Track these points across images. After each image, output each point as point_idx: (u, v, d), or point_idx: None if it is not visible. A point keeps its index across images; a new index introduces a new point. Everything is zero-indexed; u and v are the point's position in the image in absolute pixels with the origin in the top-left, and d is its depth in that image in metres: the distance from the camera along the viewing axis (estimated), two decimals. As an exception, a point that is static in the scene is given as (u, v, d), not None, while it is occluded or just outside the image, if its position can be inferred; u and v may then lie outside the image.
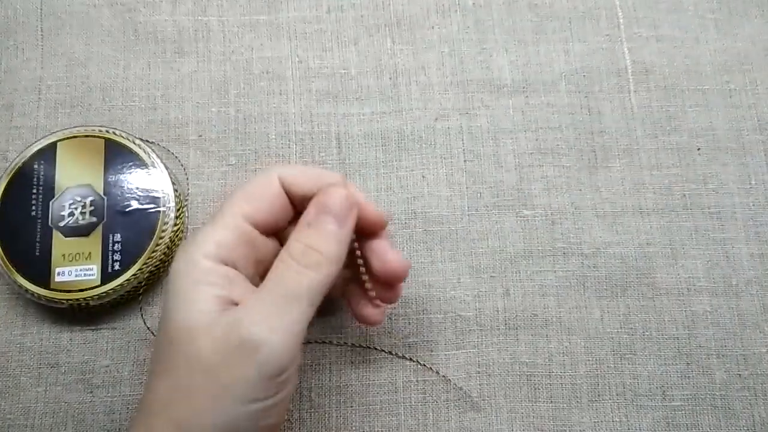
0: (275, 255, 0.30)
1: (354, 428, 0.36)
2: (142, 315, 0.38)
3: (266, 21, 0.43)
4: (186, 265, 0.27)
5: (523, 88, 0.42)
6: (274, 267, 0.27)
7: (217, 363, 0.25)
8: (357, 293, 0.32)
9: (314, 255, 0.27)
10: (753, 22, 0.43)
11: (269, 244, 0.30)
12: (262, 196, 0.29)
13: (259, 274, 0.29)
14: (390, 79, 0.42)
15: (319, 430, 0.36)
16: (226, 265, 0.28)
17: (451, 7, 0.43)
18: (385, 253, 0.30)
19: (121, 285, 0.36)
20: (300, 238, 0.28)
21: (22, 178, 0.37)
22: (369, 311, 0.32)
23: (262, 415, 0.26)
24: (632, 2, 0.43)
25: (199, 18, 0.43)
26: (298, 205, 0.30)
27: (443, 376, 0.37)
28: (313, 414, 0.37)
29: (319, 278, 0.27)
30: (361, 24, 0.43)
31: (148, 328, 0.37)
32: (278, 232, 0.31)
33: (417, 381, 0.37)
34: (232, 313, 0.26)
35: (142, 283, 0.37)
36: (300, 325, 0.26)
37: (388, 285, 0.32)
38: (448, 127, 0.41)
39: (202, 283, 0.27)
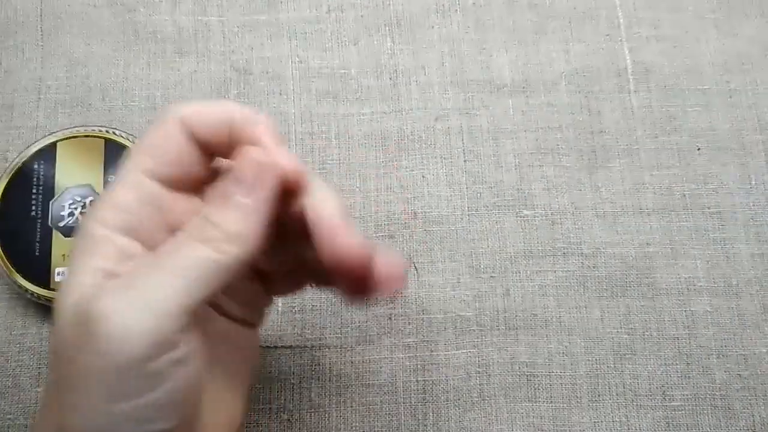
0: (185, 213, 0.24)
1: (354, 428, 0.36)
2: None
3: (266, 21, 0.43)
4: (83, 234, 0.22)
5: (523, 88, 0.42)
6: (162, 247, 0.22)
7: (73, 348, 0.20)
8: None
9: (211, 230, 0.21)
10: (753, 22, 0.43)
11: (185, 203, 0.24)
12: (164, 146, 0.23)
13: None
14: (390, 79, 0.42)
15: (319, 430, 0.36)
16: (127, 235, 0.22)
17: (451, 7, 0.43)
18: (330, 233, 0.22)
19: (121, 285, 0.36)
20: (202, 210, 0.22)
21: (21, 178, 0.37)
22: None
23: (141, 418, 0.20)
24: (632, 2, 0.43)
25: (199, 18, 0.43)
26: (211, 150, 0.24)
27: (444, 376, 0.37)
28: (313, 414, 0.37)
29: (216, 257, 0.21)
30: (361, 24, 0.43)
31: None
32: (197, 187, 0.24)
33: (417, 381, 0.37)
34: (89, 293, 0.20)
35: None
36: (175, 304, 0.20)
37: (349, 276, 0.23)
38: (448, 127, 0.41)
39: (87, 254, 0.21)
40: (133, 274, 0.21)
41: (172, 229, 0.23)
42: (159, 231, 0.23)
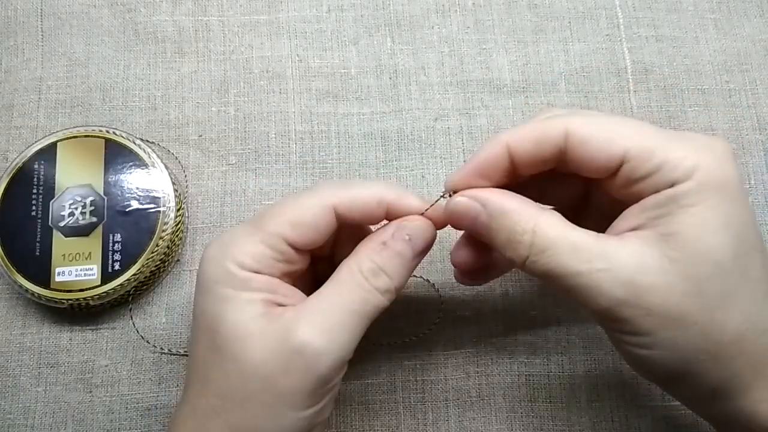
0: (305, 268, 0.29)
1: (354, 428, 0.36)
2: (131, 318, 0.38)
3: (266, 20, 0.43)
4: (222, 271, 0.27)
5: (523, 88, 0.42)
6: (337, 275, 0.27)
7: (272, 370, 0.25)
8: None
9: (385, 280, 0.27)
10: (753, 22, 0.43)
11: (304, 258, 0.29)
12: (311, 225, 0.27)
13: (291, 280, 0.29)
14: (390, 79, 0.42)
15: (319, 429, 0.36)
16: (263, 273, 0.27)
17: (451, 7, 0.43)
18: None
19: (121, 285, 0.36)
20: (373, 257, 0.27)
21: (22, 178, 0.37)
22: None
23: (311, 422, 0.26)
24: (632, 2, 0.43)
25: (200, 18, 0.43)
26: (347, 226, 0.29)
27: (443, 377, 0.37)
28: (312, 414, 0.37)
29: (384, 303, 0.27)
30: (361, 24, 0.43)
31: (137, 330, 0.38)
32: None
33: (416, 381, 0.37)
34: (285, 317, 0.26)
35: (142, 284, 0.37)
36: (354, 343, 0.26)
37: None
38: (448, 127, 0.41)
39: (246, 289, 0.26)
40: (325, 305, 0.26)
41: (290, 274, 0.28)
42: (283, 276, 0.28)
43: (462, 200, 0.27)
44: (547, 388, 0.37)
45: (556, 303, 0.38)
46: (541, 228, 0.25)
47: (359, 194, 0.28)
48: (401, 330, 0.38)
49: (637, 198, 0.25)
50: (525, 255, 0.25)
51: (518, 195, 0.27)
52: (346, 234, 0.30)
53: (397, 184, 0.29)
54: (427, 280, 0.38)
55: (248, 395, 0.25)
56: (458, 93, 0.42)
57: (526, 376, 0.37)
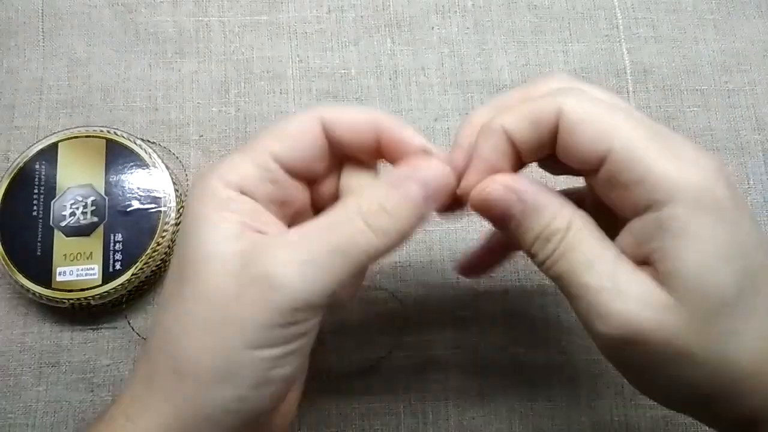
0: (305, 202, 0.27)
1: (354, 428, 0.37)
2: (128, 320, 0.38)
3: (267, 21, 0.43)
4: (205, 190, 0.24)
5: (523, 88, 0.42)
6: (332, 210, 0.24)
7: (228, 295, 0.22)
8: None
9: (385, 219, 0.23)
10: (752, 23, 0.43)
11: (298, 188, 0.26)
12: (297, 137, 0.25)
13: (286, 218, 0.26)
14: (390, 79, 0.42)
15: (320, 429, 0.36)
16: (246, 194, 0.24)
17: (451, 8, 0.43)
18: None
19: (122, 284, 0.36)
20: (377, 195, 0.24)
21: (23, 178, 0.37)
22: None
23: (267, 369, 0.23)
24: (631, 3, 0.43)
25: (200, 18, 0.43)
26: (339, 152, 0.26)
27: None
28: (313, 414, 0.37)
29: (379, 247, 0.23)
30: (361, 24, 0.43)
31: (134, 329, 0.38)
32: (309, 180, 0.27)
33: (416, 380, 0.37)
34: (256, 242, 0.23)
35: (143, 283, 0.37)
36: (331, 287, 0.22)
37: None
38: (448, 128, 0.41)
39: (225, 210, 0.23)
40: (303, 236, 0.23)
41: (285, 205, 0.26)
42: (274, 204, 0.25)
43: (498, 189, 0.25)
44: (547, 388, 0.37)
45: (556, 303, 0.38)
46: (572, 230, 0.24)
47: (348, 110, 0.26)
48: (401, 329, 0.38)
49: (619, 205, 0.24)
50: (550, 255, 0.24)
51: (550, 188, 0.25)
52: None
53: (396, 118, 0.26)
54: (393, 294, 0.38)
55: (196, 321, 0.22)
56: (458, 93, 0.42)
57: (526, 376, 0.37)
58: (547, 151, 0.25)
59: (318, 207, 0.28)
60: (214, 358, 0.22)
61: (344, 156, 0.27)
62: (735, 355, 0.22)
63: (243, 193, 0.24)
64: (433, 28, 0.43)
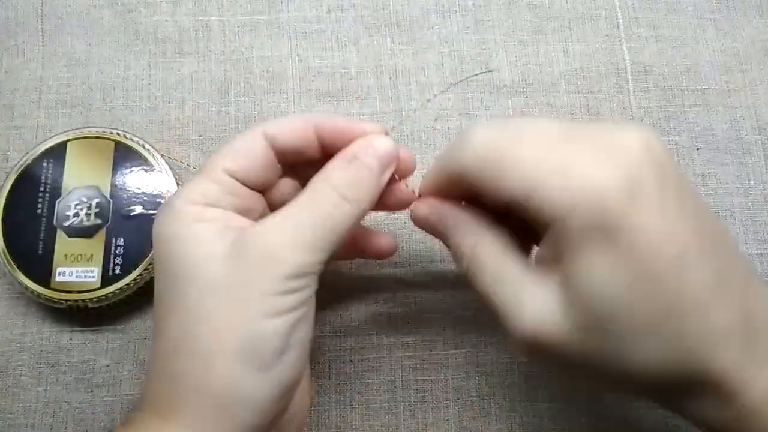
0: (263, 208, 0.29)
1: (353, 428, 0.37)
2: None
3: (266, 21, 0.43)
4: (174, 212, 0.26)
5: (523, 88, 0.42)
6: (302, 195, 0.26)
7: (234, 281, 0.24)
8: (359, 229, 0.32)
9: (355, 190, 0.26)
10: (752, 23, 0.43)
11: (255, 197, 0.29)
12: (246, 153, 0.28)
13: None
14: (390, 79, 0.42)
15: (319, 429, 0.36)
16: (214, 206, 0.27)
17: (451, 8, 0.43)
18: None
19: (120, 289, 0.36)
20: (342, 170, 0.27)
21: (30, 175, 0.37)
22: (382, 240, 0.32)
23: (287, 330, 0.25)
24: (631, 3, 0.43)
25: (200, 18, 0.43)
26: (286, 159, 0.29)
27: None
28: (312, 414, 0.37)
29: (355, 214, 0.26)
30: (361, 24, 0.43)
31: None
32: (264, 189, 0.29)
33: (416, 380, 0.37)
34: (245, 230, 0.25)
35: (142, 288, 0.37)
36: (322, 254, 0.25)
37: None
38: (448, 128, 0.41)
39: (200, 220, 0.26)
40: (286, 215, 0.26)
41: (246, 212, 0.28)
42: (237, 213, 0.27)
43: (424, 209, 0.29)
44: (547, 388, 0.37)
45: (555, 303, 0.38)
46: (477, 251, 0.26)
47: (286, 120, 0.29)
48: (401, 329, 0.38)
49: (539, 227, 0.24)
50: (465, 270, 0.27)
51: (471, 211, 0.28)
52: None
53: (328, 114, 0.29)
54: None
55: (209, 314, 0.24)
56: (458, 93, 0.42)
57: (526, 376, 0.37)
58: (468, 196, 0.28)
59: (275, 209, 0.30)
60: (236, 337, 0.24)
61: (292, 161, 0.29)
62: (630, 359, 0.23)
63: (210, 205, 0.26)
64: (433, 27, 0.43)
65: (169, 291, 0.25)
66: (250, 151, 0.28)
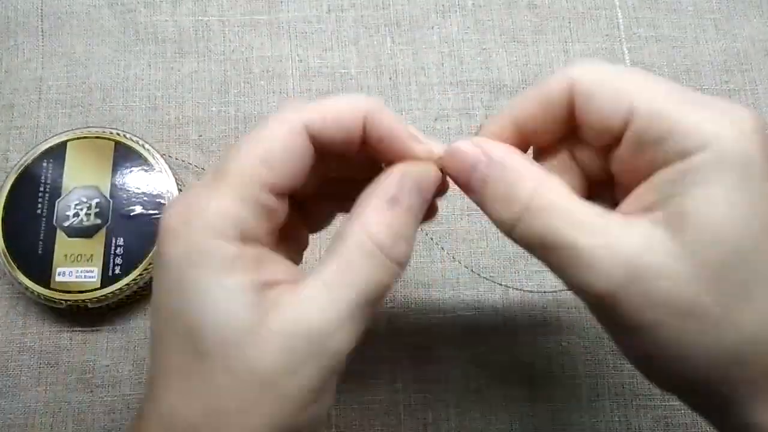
0: (286, 211, 0.24)
1: (354, 427, 0.37)
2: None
3: (266, 21, 0.43)
4: (192, 249, 0.21)
5: (523, 88, 0.42)
6: (342, 246, 0.22)
7: (279, 372, 0.21)
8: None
9: (402, 247, 0.22)
10: (752, 23, 0.43)
11: (285, 205, 0.24)
12: (286, 157, 0.22)
13: (274, 234, 0.24)
14: (390, 79, 0.42)
15: (319, 430, 0.36)
16: (247, 241, 0.22)
17: (451, 8, 0.43)
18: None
19: (120, 289, 0.35)
20: (384, 219, 0.22)
21: (30, 175, 0.37)
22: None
23: (318, 413, 0.22)
24: (632, 2, 0.43)
25: (200, 18, 0.43)
26: (331, 153, 0.24)
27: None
28: (313, 413, 0.37)
29: (400, 275, 0.22)
30: (361, 24, 0.43)
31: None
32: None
33: (416, 381, 0.37)
34: (285, 306, 0.21)
35: (142, 288, 0.37)
36: (367, 323, 0.22)
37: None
38: (448, 128, 0.41)
39: (229, 273, 0.21)
40: (327, 285, 0.21)
41: (274, 231, 0.23)
42: (264, 236, 0.23)
43: (464, 144, 0.23)
44: (548, 388, 0.37)
45: (556, 302, 0.38)
46: (543, 189, 0.22)
47: (331, 106, 0.23)
48: (401, 329, 0.38)
49: (648, 172, 0.22)
50: (517, 215, 0.22)
51: (525, 155, 0.24)
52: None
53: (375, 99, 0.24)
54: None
55: (247, 406, 0.21)
56: (458, 93, 0.42)
57: (526, 376, 0.37)
58: (561, 132, 0.24)
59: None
60: (276, 428, 0.21)
61: (327, 153, 0.24)
62: (740, 317, 0.20)
63: (244, 239, 0.22)
64: (433, 27, 0.43)
65: (190, 364, 0.21)
66: (290, 156, 0.22)
